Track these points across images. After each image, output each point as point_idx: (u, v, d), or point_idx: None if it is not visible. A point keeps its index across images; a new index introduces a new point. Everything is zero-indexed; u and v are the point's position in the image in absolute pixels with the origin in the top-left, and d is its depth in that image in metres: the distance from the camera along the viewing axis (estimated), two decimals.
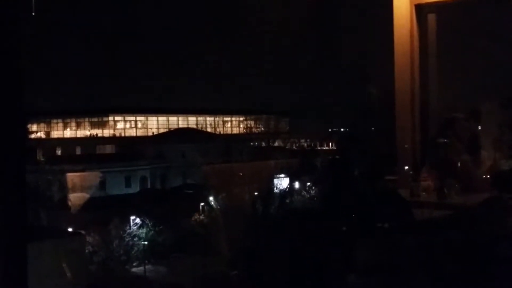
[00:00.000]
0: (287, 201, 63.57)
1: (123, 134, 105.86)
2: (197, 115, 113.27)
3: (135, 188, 75.56)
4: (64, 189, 64.63)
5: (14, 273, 6.91)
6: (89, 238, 49.41)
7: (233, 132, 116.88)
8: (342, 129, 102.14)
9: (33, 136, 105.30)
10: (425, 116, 55.23)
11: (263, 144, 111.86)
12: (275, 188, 68.21)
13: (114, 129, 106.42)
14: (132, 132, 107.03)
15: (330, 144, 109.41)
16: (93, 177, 70.37)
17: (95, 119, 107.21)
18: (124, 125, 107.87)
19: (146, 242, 51.84)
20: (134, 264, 51.43)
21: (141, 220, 53.45)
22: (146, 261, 50.54)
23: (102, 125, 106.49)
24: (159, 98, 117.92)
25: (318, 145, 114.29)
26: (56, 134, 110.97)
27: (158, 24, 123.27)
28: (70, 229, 50.15)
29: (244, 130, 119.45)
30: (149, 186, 77.83)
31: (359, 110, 74.48)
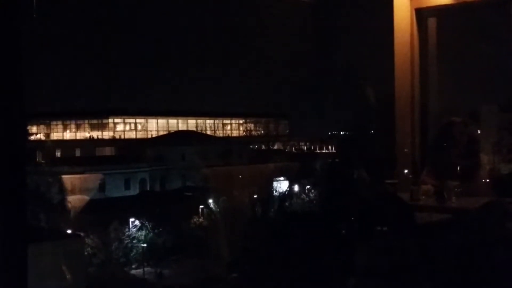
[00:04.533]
0: (287, 204, 63.55)
1: (122, 137, 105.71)
2: (196, 118, 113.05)
3: (134, 191, 75.44)
4: (63, 191, 64.58)
5: (14, 275, 6.89)
6: (88, 240, 49.45)
7: (232, 135, 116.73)
8: (341, 132, 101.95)
9: (32, 137, 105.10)
10: (425, 120, 55.10)
11: (263, 146, 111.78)
12: (274, 191, 68.20)
13: (114, 131, 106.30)
14: (131, 135, 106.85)
15: (329, 147, 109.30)
16: (92, 179, 70.32)
17: (95, 121, 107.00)
18: (124, 128, 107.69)
19: (145, 245, 51.87)
20: (133, 266, 51.46)
21: (140, 222, 53.50)
22: (145, 263, 50.57)
23: (102, 127, 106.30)
24: (159, 100, 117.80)
25: (317, 148, 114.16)
26: (55, 136, 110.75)
27: (158, 26, 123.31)
28: (69, 231, 50.16)
29: (244, 133, 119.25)
30: (148, 189, 77.78)
31: (359, 114, 74.37)
